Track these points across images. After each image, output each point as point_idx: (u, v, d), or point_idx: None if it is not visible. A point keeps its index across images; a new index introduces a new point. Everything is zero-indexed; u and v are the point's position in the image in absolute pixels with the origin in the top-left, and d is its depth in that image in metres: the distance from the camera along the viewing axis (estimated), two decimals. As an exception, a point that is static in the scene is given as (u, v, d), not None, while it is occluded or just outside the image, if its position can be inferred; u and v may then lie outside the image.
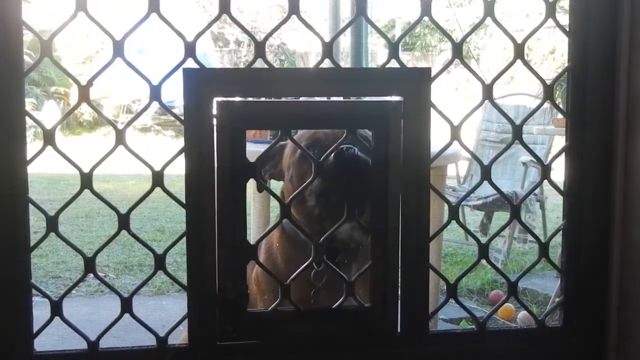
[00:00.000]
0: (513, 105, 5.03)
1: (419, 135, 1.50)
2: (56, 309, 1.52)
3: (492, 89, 1.61)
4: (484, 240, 1.65)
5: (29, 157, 1.45)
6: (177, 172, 1.48)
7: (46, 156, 1.49)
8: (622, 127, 1.60)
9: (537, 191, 4.48)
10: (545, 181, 1.70)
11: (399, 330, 1.55)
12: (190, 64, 1.47)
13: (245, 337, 1.52)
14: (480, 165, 1.64)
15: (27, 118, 1.45)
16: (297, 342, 1.55)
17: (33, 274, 1.51)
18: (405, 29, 13.80)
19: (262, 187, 1.71)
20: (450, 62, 1.61)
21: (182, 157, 1.46)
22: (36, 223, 1.57)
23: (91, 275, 1.53)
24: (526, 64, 1.64)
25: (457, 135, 1.59)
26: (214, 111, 1.44)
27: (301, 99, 1.55)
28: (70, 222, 5.64)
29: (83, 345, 1.52)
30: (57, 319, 1.52)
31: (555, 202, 5.04)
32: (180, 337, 1.69)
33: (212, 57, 14.80)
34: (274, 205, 2.78)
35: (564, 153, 1.64)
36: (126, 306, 1.54)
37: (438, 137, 1.64)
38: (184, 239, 1.48)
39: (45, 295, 1.53)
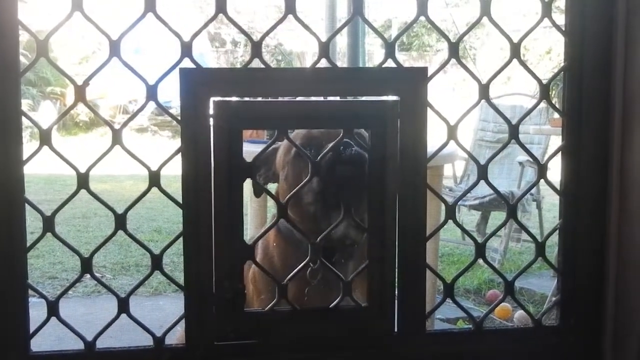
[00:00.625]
0: (509, 105, 5.03)
1: (415, 135, 1.50)
2: (53, 309, 1.52)
3: (489, 88, 1.61)
4: (480, 240, 1.65)
5: (25, 157, 1.45)
6: (173, 172, 1.48)
7: (42, 156, 1.48)
8: (618, 127, 1.60)
9: (533, 191, 4.48)
10: (542, 181, 1.70)
11: (396, 329, 1.55)
12: (187, 63, 1.47)
13: (243, 337, 1.52)
14: (476, 165, 1.64)
15: (23, 118, 1.44)
16: (294, 341, 1.55)
17: (29, 274, 1.51)
18: (401, 29, 13.80)
19: (259, 190, 1.70)
20: (446, 62, 1.61)
21: (178, 157, 1.46)
22: (32, 223, 1.57)
23: (88, 275, 1.53)
24: (522, 63, 1.64)
25: (453, 135, 1.59)
26: (211, 111, 1.44)
27: (298, 98, 1.55)
28: (66, 223, 5.63)
29: (80, 345, 1.51)
30: (53, 319, 1.52)
31: (551, 202, 5.04)
32: (175, 336, 1.69)
33: (209, 57, 14.78)
34: (271, 205, 2.78)
35: (560, 152, 1.64)
36: (123, 306, 1.54)
37: (435, 136, 1.64)
38: (181, 239, 1.48)
39: (41, 295, 1.52)
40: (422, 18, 1.59)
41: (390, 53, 1.55)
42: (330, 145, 1.58)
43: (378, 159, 1.50)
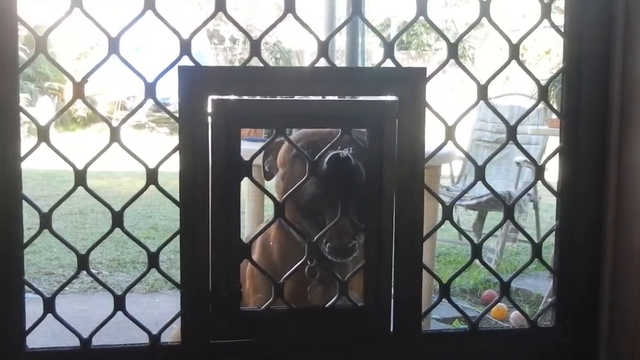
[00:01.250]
0: (508, 106, 5.03)
1: (413, 135, 1.50)
2: (49, 306, 1.52)
3: (487, 89, 1.61)
4: (477, 240, 1.65)
5: (23, 153, 1.44)
6: (171, 169, 1.47)
7: (40, 152, 1.48)
8: (616, 128, 1.60)
9: (531, 191, 4.48)
10: (539, 181, 1.70)
11: (392, 329, 1.56)
12: (186, 61, 1.47)
13: (239, 336, 1.52)
14: (474, 165, 1.64)
15: (21, 114, 1.44)
16: (290, 340, 1.55)
17: (26, 270, 1.51)
18: (401, 28, 13.79)
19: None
20: (445, 62, 1.61)
21: (176, 154, 1.46)
22: (30, 219, 1.57)
23: (84, 272, 1.53)
24: (521, 64, 1.65)
25: (451, 135, 1.59)
26: (209, 109, 1.44)
27: (296, 97, 1.55)
28: (64, 219, 5.62)
29: (75, 342, 1.51)
30: (49, 316, 1.52)
31: (549, 203, 5.04)
32: (171, 334, 1.69)
33: (208, 54, 14.76)
34: (268, 204, 2.78)
35: (558, 153, 1.64)
36: (119, 304, 1.54)
37: (432, 136, 1.64)
38: (178, 236, 1.48)
39: (37, 292, 1.52)
40: (422, 17, 1.59)
41: (389, 53, 1.55)
42: (327, 146, 1.57)
43: (376, 159, 1.50)
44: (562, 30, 1.62)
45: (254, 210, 3.03)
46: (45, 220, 1.49)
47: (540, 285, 3.87)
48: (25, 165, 1.45)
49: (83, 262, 1.52)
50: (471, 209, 4.80)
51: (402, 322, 1.56)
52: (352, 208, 1.58)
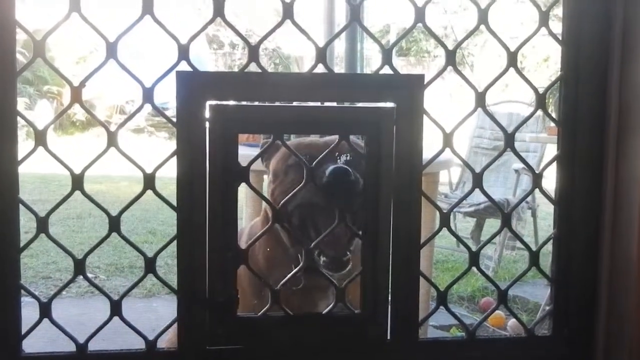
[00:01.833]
0: (506, 113, 5.04)
1: (411, 142, 1.50)
2: (45, 310, 1.51)
3: (485, 96, 1.61)
4: (475, 247, 1.65)
5: (20, 157, 1.44)
6: (169, 174, 1.47)
7: (38, 156, 1.48)
8: (614, 136, 1.60)
9: (529, 199, 4.49)
10: (537, 189, 1.70)
11: (389, 336, 1.55)
12: (184, 66, 1.47)
13: (235, 342, 1.52)
14: (472, 173, 1.64)
15: (18, 118, 1.44)
16: (286, 347, 1.55)
17: (23, 274, 1.51)
18: (400, 35, 13.81)
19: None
20: (443, 69, 1.61)
21: (174, 159, 1.45)
22: (27, 223, 1.56)
23: (81, 276, 1.52)
24: (519, 72, 1.65)
25: (449, 142, 1.59)
26: (207, 114, 1.44)
27: (294, 103, 1.55)
28: (61, 223, 5.62)
29: (72, 347, 1.51)
30: (45, 320, 1.51)
31: (547, 210, 5.05)
32: (166, 338, 1.68)
33: (207, 59, 14.77)
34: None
35: (555, 161, 1.64)
36: (116, 309, 1.53)
37: (431, 143, 1.64)
38: (175, 242, 1.48)
39: (34, 296, 1.52)
40: (420, 24, 1.59)
41: (387, 60, 1.55)
42: (324, 152, 1.57)
43: (373, 166, 1.50)
44: (560, 38, 1.62)
45: (252, 215, 3.03)
46: (42, 224, 1.48)
47: (537, 293, 3.87)
48: (22, 169, 1.45)
49: (80, 266, 1.51)
50: (469, 216, 4.81)
51: (399, 329, 1.56)
52: (348, 216, 1.58)
